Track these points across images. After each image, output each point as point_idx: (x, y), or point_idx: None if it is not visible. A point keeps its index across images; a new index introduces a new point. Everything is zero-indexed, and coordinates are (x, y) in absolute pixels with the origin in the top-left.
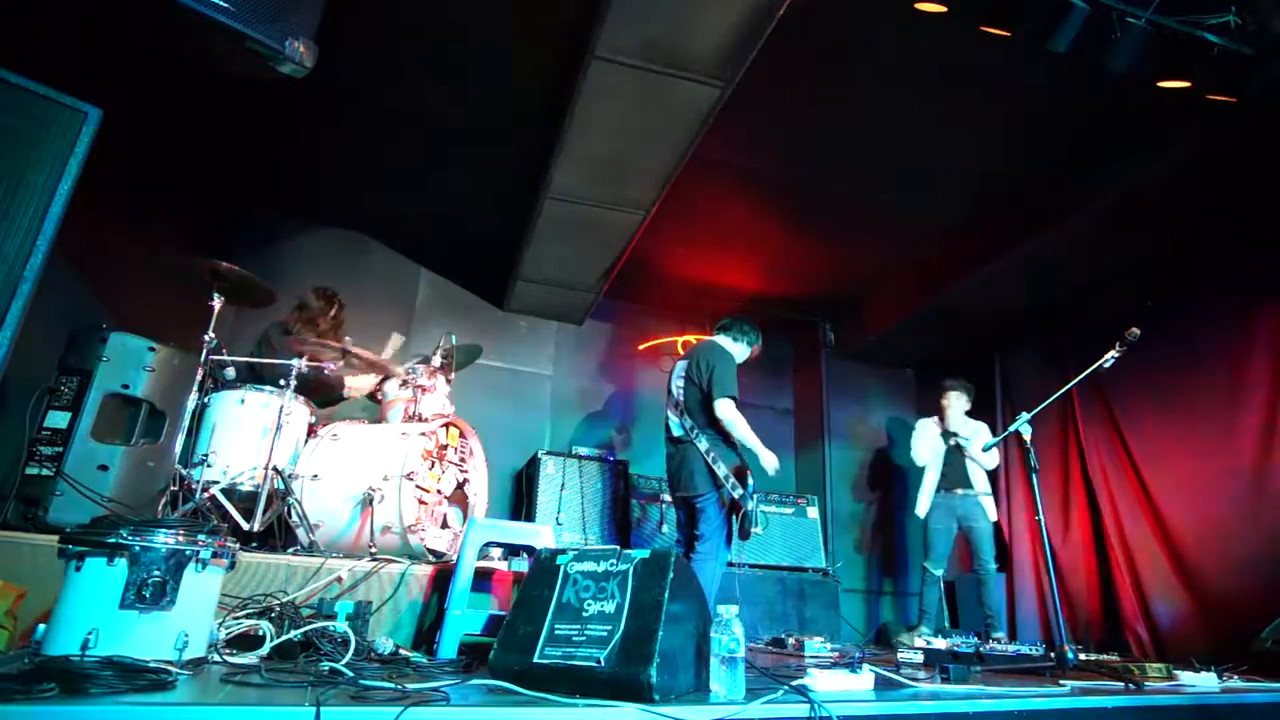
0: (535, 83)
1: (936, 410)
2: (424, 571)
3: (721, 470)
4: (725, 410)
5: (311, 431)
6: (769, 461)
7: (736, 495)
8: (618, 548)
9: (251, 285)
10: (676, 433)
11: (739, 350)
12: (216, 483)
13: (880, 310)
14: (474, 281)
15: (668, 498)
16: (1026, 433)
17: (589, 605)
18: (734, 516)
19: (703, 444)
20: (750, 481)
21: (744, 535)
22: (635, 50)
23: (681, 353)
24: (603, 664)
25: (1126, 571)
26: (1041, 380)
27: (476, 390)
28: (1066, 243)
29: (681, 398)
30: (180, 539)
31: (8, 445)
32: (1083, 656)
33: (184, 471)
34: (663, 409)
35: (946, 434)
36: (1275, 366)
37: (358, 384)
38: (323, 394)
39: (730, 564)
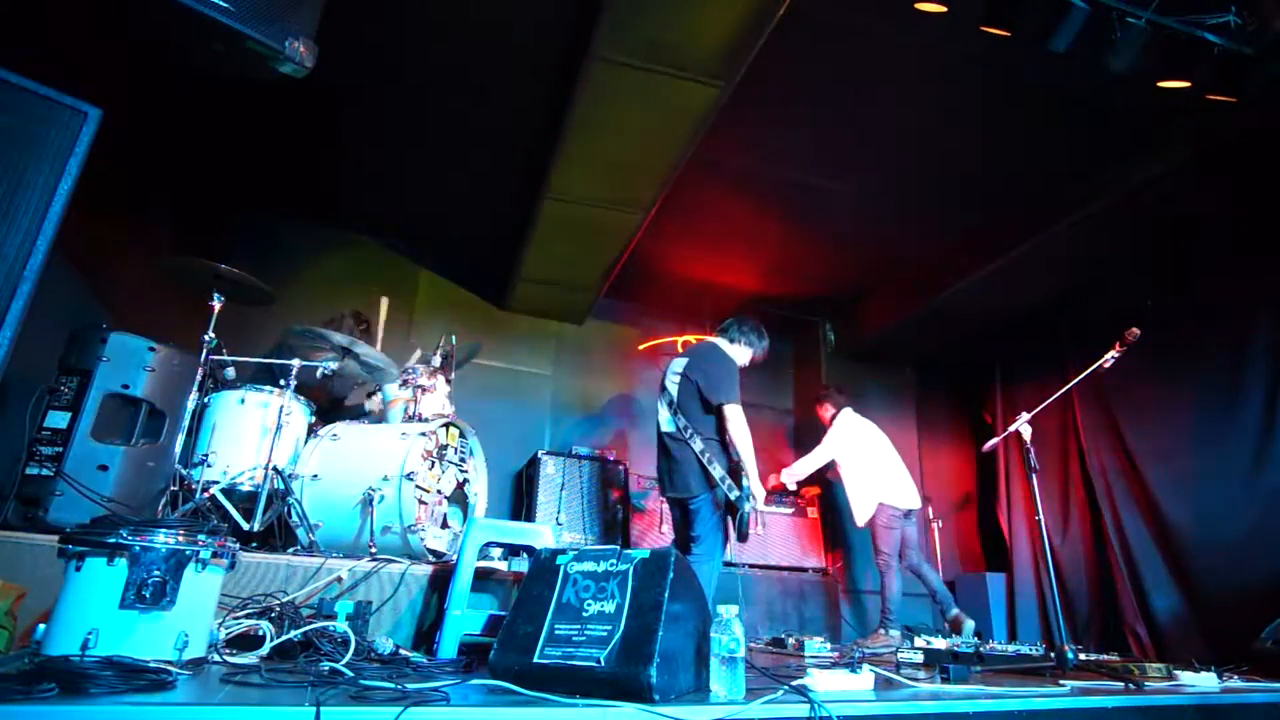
0: (535, 82)
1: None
2: (424, 571)
3: (717, 471)
4: (734, 416)
5: (311, 431)
6: (758, 493)
7: (733, 496)
8: (618, 548)
9: (251, 286)
10: (668, 429)
11: (740, 353)
12: (216, 483)
13: (880, 310)
14: (474, 281)
15: None
16: (1026, 433)
17: (589, 605)
18: (730, 518)
19: (697, 444)
20: (745, 483)
21: (742, 538)
22: (634, 50)
23: (681, 352)
24: (603, 664)
25: (1126, 571)
26: (1041, 380)
27: (476, 390)
28: (1067, 243)
29: (676, 396)
30: (180, 539)
31: (8, 445)
32: (1083, 656)
33: (184, 471)
34: None
35: None
36: (1275, 366)
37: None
38: (326, 397)
39: (730, 564)
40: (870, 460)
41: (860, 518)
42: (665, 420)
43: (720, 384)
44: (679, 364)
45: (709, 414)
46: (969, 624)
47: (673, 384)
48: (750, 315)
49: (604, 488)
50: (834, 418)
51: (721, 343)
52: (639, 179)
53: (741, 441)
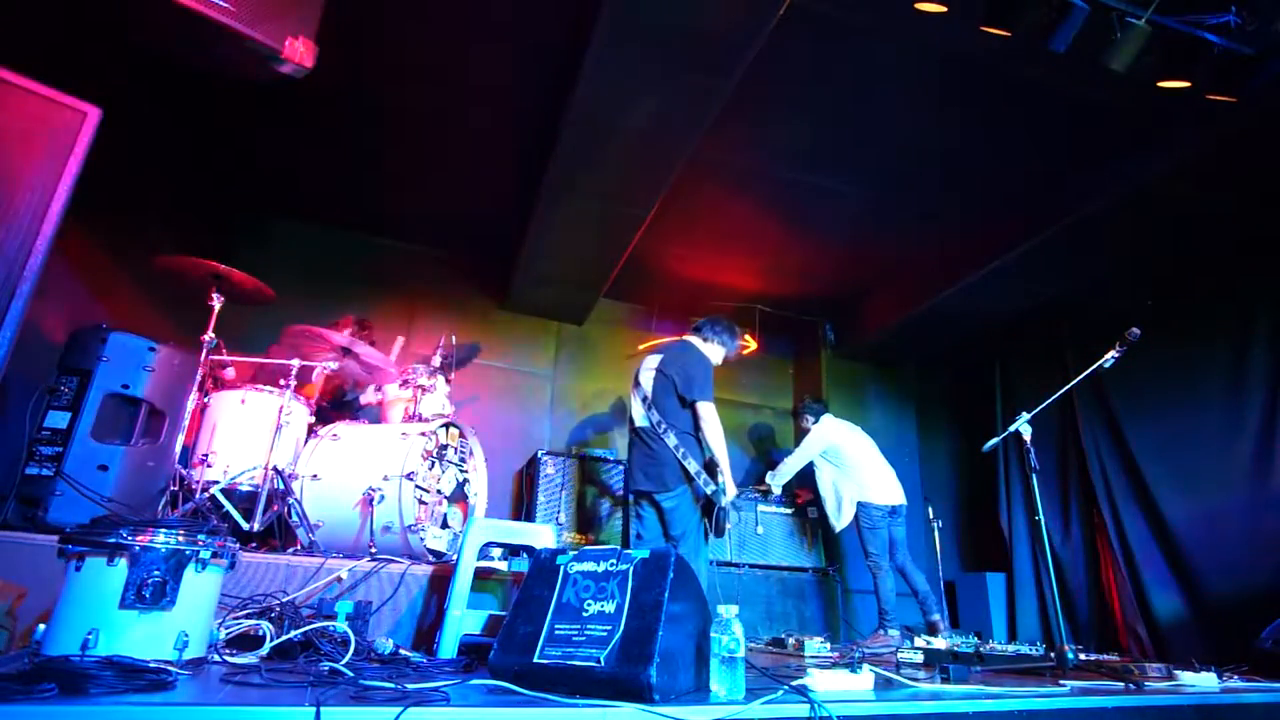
0: (535, 81)
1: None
2: (424, 571)
3: (692, 466)
4: (708, 413)
5: (312, 431)
6: (731, 490)
7: (709, 491)
8: (618, 547)
9: (251, 286)
10: (642, 424)
11: (713, 352)
12: (216, 483)
13: (880, 310)
14: (474, 281)
15: None
16: (1026, 433)
17: (589, 605)
18: (707, 514)
19: (671, 439)
20: (720, 479)
21: (719, 532)
22: (634, 49)
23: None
24: (603, 664)
25: (1126, 571)
26: (1041, 380)
27: (476, 390)
28: (1067, 243)
29: (651, 391)
30: (180, 539)
31: (8, 445)
32: (1083, 656)
33: (184, 471)
34: None
35: None
36: (1275, 366)
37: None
38: (334, 398)
39: (730, 564)
40: (849, 462)
41: (836, 521)
42: (640, 415)
43: (695, 381)
44: (653, 360)
45: (684, 409)
46: (944, 633)
47: (647, 380)
48: (724, 316)
49: (604, 488)
50: (815, 425)
51: (696, 341)
52: (640, 178)
53: (715, 438)
